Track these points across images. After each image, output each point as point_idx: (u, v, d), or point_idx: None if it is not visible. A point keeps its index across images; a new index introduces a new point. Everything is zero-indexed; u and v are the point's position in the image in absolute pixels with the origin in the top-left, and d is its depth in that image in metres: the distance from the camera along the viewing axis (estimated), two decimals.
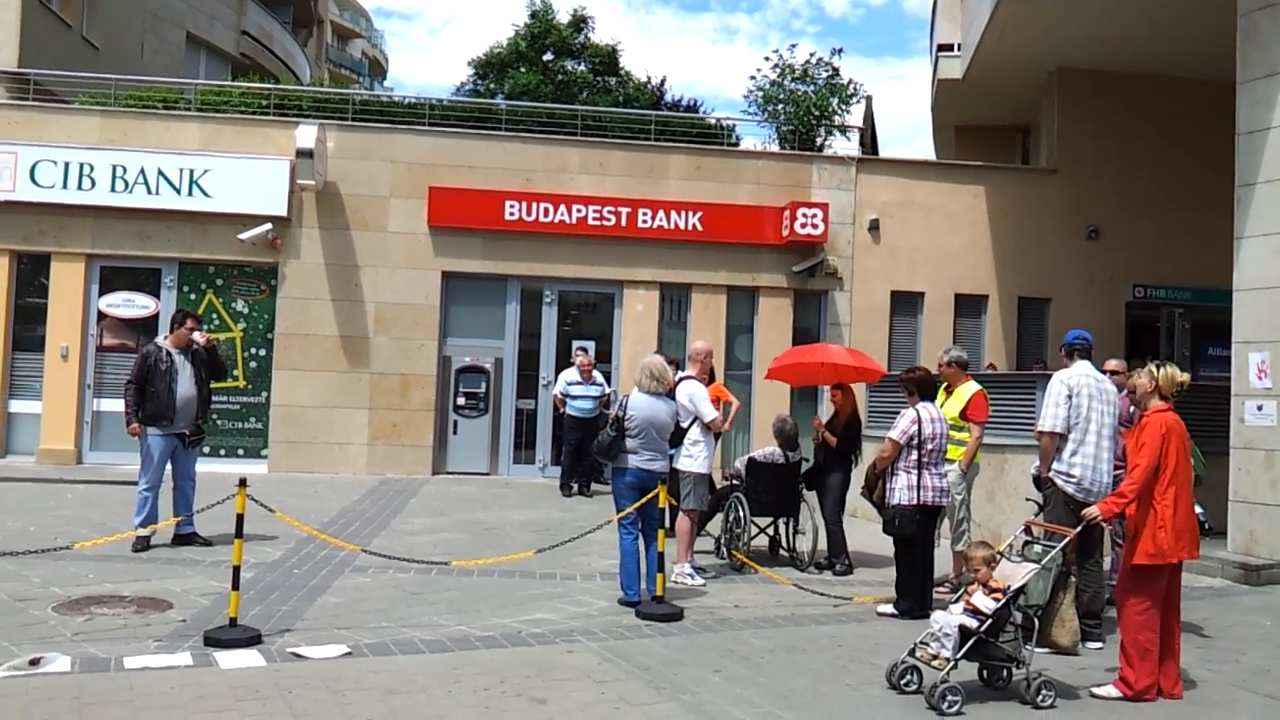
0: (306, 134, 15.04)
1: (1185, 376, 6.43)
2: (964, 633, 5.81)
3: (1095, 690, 6.13)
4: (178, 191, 15.38)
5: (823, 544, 9.82)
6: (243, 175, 15.53)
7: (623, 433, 7.99)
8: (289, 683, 5.75)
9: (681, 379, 9.18)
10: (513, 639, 6.87)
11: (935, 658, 5.82)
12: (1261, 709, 6.07)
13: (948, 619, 5.89)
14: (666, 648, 6.84)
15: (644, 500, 7.88)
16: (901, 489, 7.91)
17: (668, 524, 8.20)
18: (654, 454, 8.10)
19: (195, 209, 15.45)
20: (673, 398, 8.45)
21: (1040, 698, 5.75)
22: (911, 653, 5.97)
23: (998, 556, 6.20)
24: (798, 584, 8.68)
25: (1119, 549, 8.62)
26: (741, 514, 9.63)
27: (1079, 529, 6.14)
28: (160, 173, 15.34)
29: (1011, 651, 5.88)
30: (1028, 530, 6.45)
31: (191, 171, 15.40)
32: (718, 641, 7.05)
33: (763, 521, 10.05)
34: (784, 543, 10.10)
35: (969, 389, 8.94)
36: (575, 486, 14.39)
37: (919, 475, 7.89)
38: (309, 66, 33.68)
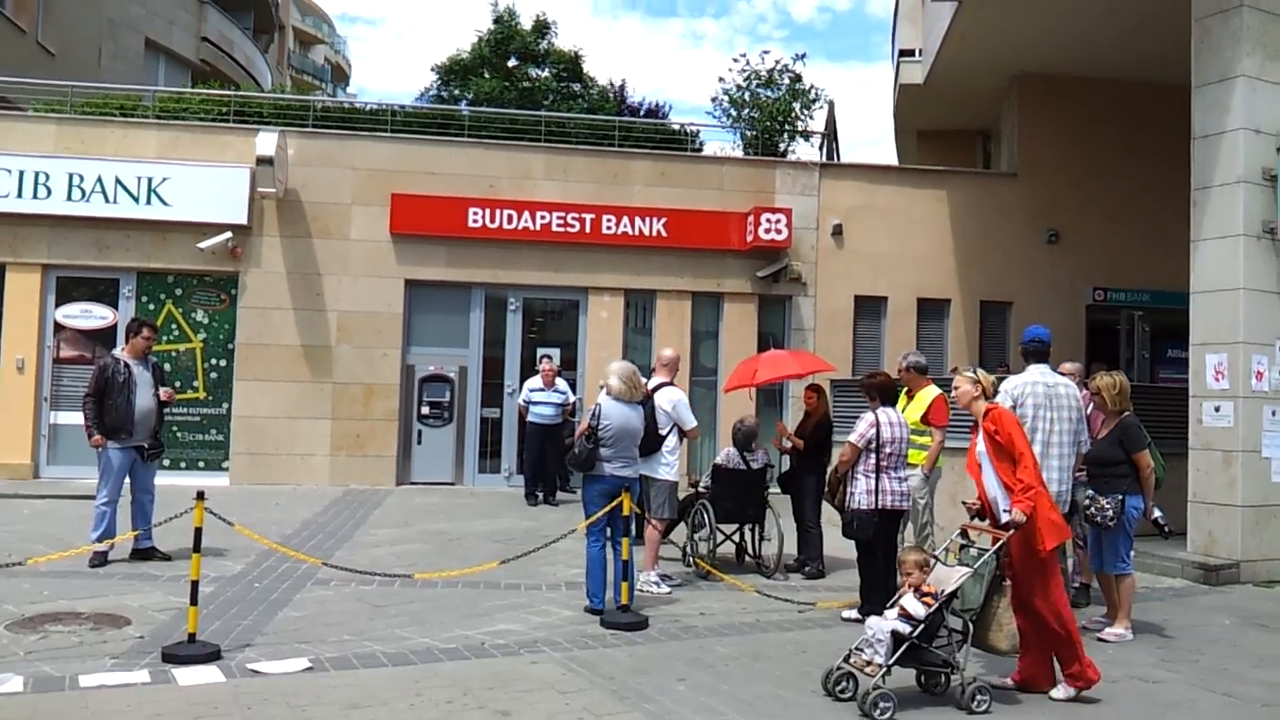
0: (267, 141, 14.90)
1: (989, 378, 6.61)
2: (896, 638, 5.76)
3: (1053, 694, 6.14)
4: (136, 200, 15.18)
5: (790, 548, 9.84)
6: (202, 183, 15.35)
7: (598, 442, 7.96)
8: (248, 699, 5.68)
9: (658, 386, 9.17)
10: (476, 650, 6.82)
11: (869, 664, 5.77)
12: (1220, 708, 6.12)
13: (880, 624, 5.84)
14: (631, 657, 6.81)
15: (610, 507, 7.86)
16: (860, 493, 7.94)
17: (633, 532, 8.18)
18: (626, 461, 8.10)
19: (154, 218, 15.25)
20: (642, 405, 8.41)
21: (975, 703, 5.72)
22: (846, 659, 5.93)
23: (931, 561, 6.16)
24: (763, 591, 8.68)
25: (1081, 550, 8.71)
26: (707, 521, 9.63)
27: (1010, 533, 6.05)
28: (118, 181, 15.13)
29: (946, 657, 5.85)
30: (964, 534, 6.38)
31: (150, 180, 15.20)
32: (683, 650, 7.03)
33: (729, 528, 10.05)
34: (750, 549, 10.11)
35: (929, 394, 8.99)
36: (541, 495, 14.33)
37: (878, 479, 7.92)
38: (270, 73, 33.41)
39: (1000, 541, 6.04)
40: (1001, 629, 5.97)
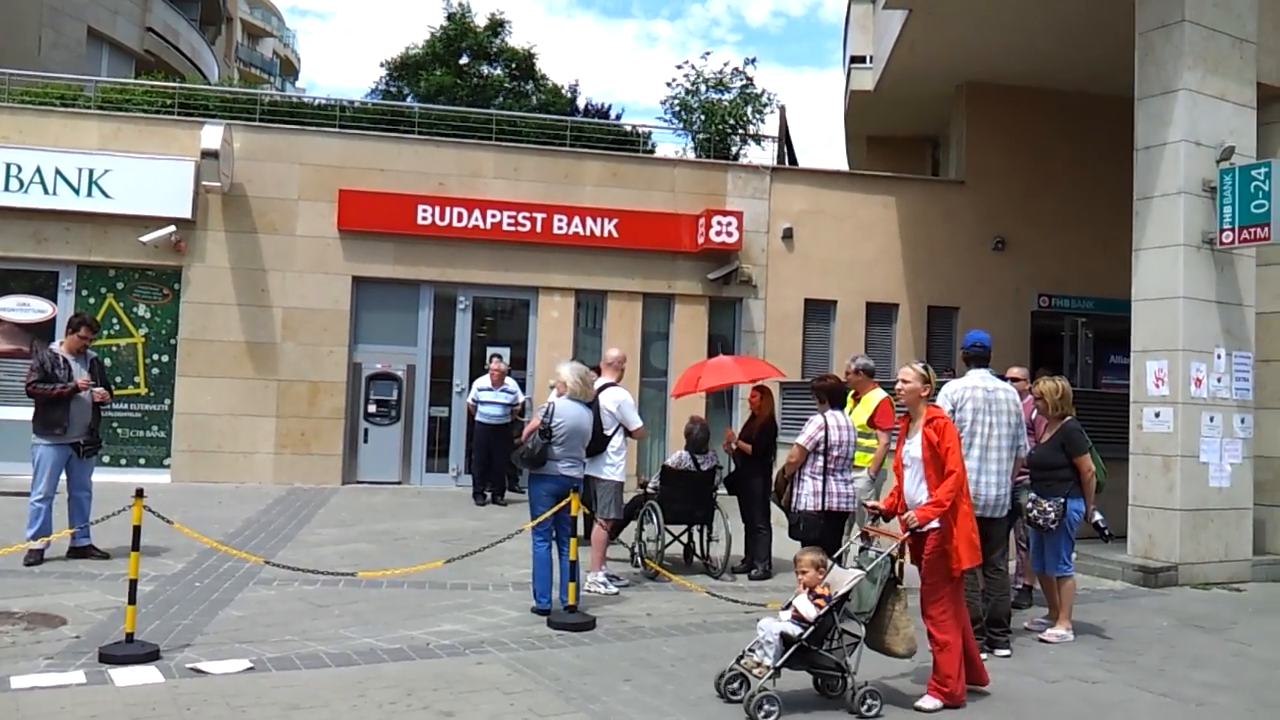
0: (212, 134, 14.67)
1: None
2: (786, 640, 5.67)
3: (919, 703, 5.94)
4: (76, 192, 14.87)
5: (738, 549, 9.86)
6: (145, 176, 15.08)
7: (550, 440, 7.93)
8: (187, 699, 5.57)
9: (603, 386, 9.15)
10: (421, 651, 6.75)
11: (759, 665, 5.69)
12: (1157, 707, 6.22)
13: (771, 626, 5.75)
14: (578, 657, 6.78)
15: (559, 507, 7.83)
16: (807, 495, 7.97)
17: (580, 532, 8.15)
18: (574, 461, 8.08)
19: (95, 210, 14.96)
20: (589, 405, 8.39)
21: (865, 707, 5.62)
22: (739, 659, 5.84)
23: (829, 562, 6.03)
24: (711, 591, 8.68)
25: (1023, 552, 8.82)
26: (656, 522, 9.63)
27: (906, 535, 5.98)
28: (58, 172, 14.82)
29: (838, 660, 5.75)
30: (865, 537, 6.26)
31: (91, 171, 14.91)
32: (629, 650, 7.01)
33: (677, 529, 10.05)
34: (698, 550, 10.11)
35: (876, 396, 9.04)
36: (489, 495, 14.25)
37: (824, 481, 7.96)
38: (217, 65, 32.88)
39: (894, 545, 5.96)
40: (898, 633, 5.86)
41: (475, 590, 8.67)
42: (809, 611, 5.70)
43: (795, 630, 5.67)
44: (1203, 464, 10.52)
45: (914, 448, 6.24)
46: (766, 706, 5.49)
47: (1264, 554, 11.10)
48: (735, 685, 5.80)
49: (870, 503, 6.57)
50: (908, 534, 5.99)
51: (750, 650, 5.80)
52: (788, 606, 5.90)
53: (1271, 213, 10.24)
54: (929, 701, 5.90)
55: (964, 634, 6.11)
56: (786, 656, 5.65)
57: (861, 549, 6.13)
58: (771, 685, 5.62)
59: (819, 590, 5.78)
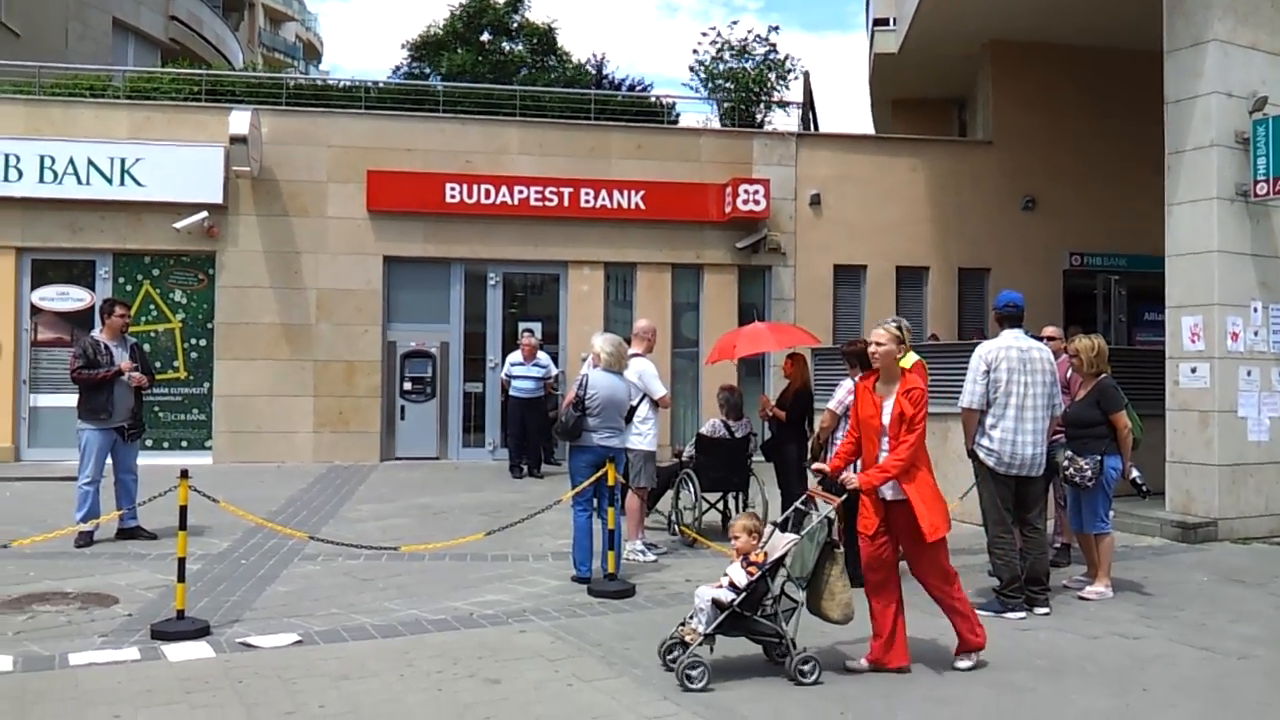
0: (240, 120, 14.79)
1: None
2: (719, 606, 5.60)
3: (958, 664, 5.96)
4: (109, 181, 15.06)
5: (775, 515, 9.89)
6: (176, 163, 15.23)
7: (585, 411, 8.00)
8: (239, 673, 5.70)
9: (629, 357, 9.20)
10: (464, 621, 6.86)
11: (693, 632, 5.62)
12: (1199, 661, 6.23)
13: (705, 592, 5.68)
14: (619, 624, 6.87)
15: (596, 476, 7.91)
16: None
17: (619, 502, 8.24)
18: (612, 431, 8.16)
19: (128, 198, 15.15)
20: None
21: (800, 674, 5.55)
22: (682, 625, 5.77)
23: (768, 528, 5.92)
24: None
25: (1061, 510, 8.81)
26: (692, 490, 9.69)
27: (842, 498, 5.84)
28: (90, 162, 15.00)
29: (774, 626, 5.67)
30: (809, 501, 6.09)
31: (123, 160, 15.08)
32: (670, 616, 7.04)
33: (713, 497, 10.11)
34: (734, 517, 10.16)
35: (908, 359, 8.99)
36: (525, 468, 14.37)
37: None
38: (241, 51, 33.04)
39: (830, 508, 5.82)
40: (834, 598, 5.75)
41: (516, 561, 8.79)
42: (740, 578, 5.64)
43: (727, 597, 5.60)
44: (1241, 418, 10.45)
45: (886, 413, 5.91)
46: (691, 673, 5.43)
47: None
48: (675, 653, 5.69)
49: (816, 465, 6.39)
50: (843, 497, 5.86)
51: (691, 617, 5.74)
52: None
53: None
54: (963, 661, 5.92)
55: (898, 608, 5.91)
56: (718, 623, 5.58)
57: (804, 514, 6.00)
58: (707, 652, 5.60)
59: (752, 557, 5.72)
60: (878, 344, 6.07)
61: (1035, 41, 17.77)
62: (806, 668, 5.59)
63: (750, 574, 5.65)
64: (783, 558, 5.69)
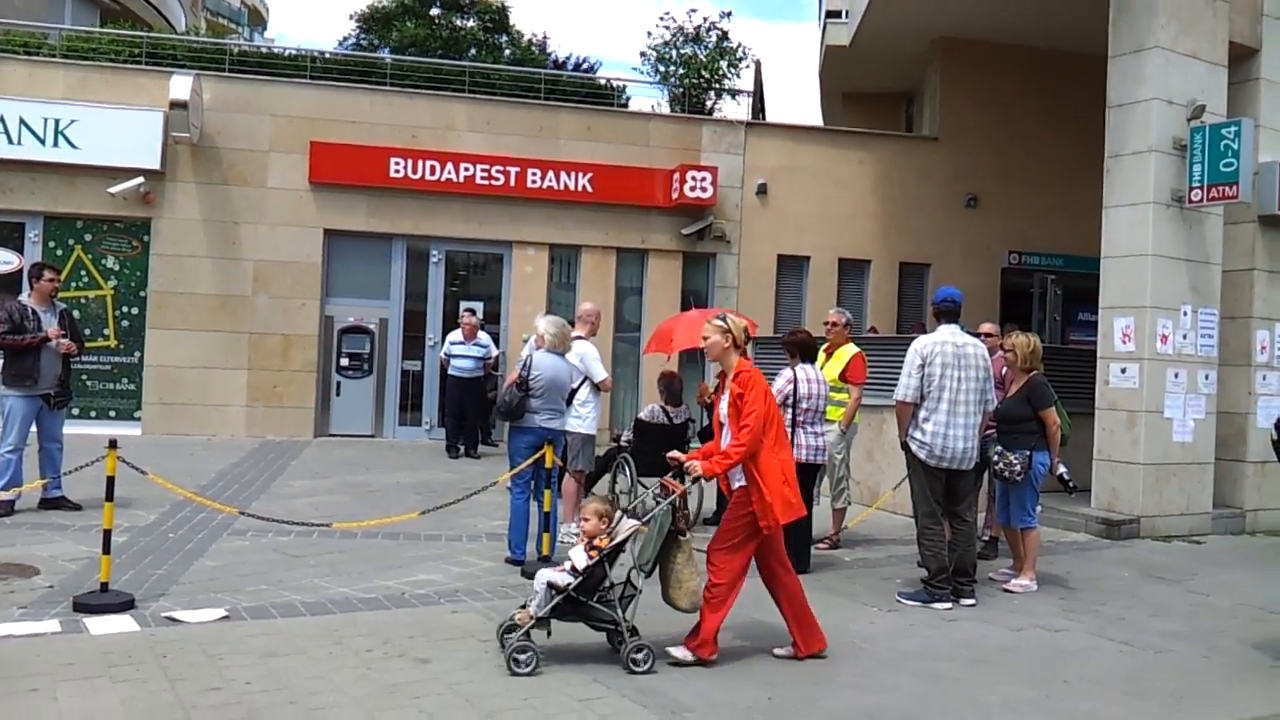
0: (181, 84, 14.47)
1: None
2: (554, 589, 5.54)
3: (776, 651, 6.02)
4: (42, 142, 14.65)
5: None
6: (113, 126, 14.87)
7: (528, 393, 7.97)
8: (164, 647, 5.61)
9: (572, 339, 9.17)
10: (396, 600, 6.82)
11: (529, 615, 5.55)
12: (1117, 655, 6.37)
13: (542, 575, 5.64)
14: None
15: (534, 458, 7.89)
16: None
17: (555, 485, 8.22)
18: (554, 412, 8.15)
19: (62, 160, 14.74)
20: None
21: (633, 662, 5.51)
22: (522, 607, 5.69)
23: (618, 513, 5.87)
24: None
25: (992, 503, 8.95)
26: (629, 474, 9.70)
27: (684, 488, 5.88)
28: (22, 121, 14.58)
29: (610, 613, 5.61)
30: (663, 489, 5.98)
31: (57, 121, 14.68)
32: None
33: (650, 482, 10.11)
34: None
35: (848, 351, 9.14)
36: (462, 448, 14.29)
37: (794, 434, 8.04)
38: (184, 14, 32.27)
39: (672, 496, 5.78)
40: (681, 585, 5.72)
41: (449, 541, 8.74)
42: (581, 561, 5.61)
43: (563, 580, 5.55)
44: (1166, 419, 10.69)
45: (724, 407, 5.96)
46: (520, 657, 5.40)
47: (1224, 507, 11.33)
48: (511, 635, 5.58)
49: (671, 454, 6.38)
50: (687, 485, 5.90)
51: (530, 600, 5.69)
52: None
53: (1240, 171, 10.35)
54: (678, 650, 5.77)
55: (797, 594, 5.99)
56: (551, 606, 5.52)
57: (657, 500, 5.95)
58: (542, 635, 5.56)
59: (597, 541, 5.67)
60: (705, 338, 6.09)
61: (984, 41, 17.99)
62: (639, 656, 5.55)
63: (591, 557, 5.60)
64: (623, 543, 5.68)
